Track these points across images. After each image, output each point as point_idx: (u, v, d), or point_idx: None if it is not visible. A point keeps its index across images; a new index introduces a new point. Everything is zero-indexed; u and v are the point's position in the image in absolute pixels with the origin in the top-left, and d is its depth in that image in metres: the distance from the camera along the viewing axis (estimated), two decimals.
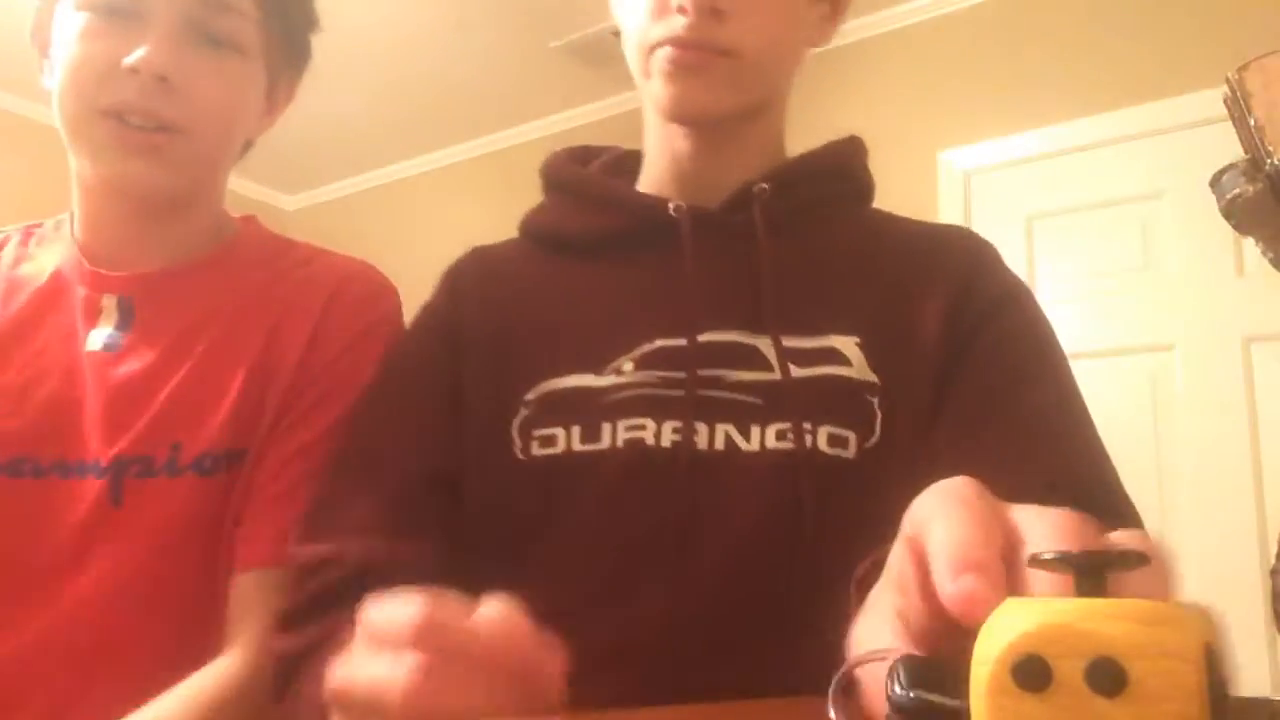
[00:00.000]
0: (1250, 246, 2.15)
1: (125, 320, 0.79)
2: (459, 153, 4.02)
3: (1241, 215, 0.71)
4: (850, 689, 0.35)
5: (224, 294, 0.82)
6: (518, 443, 0.70)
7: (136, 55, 0.72)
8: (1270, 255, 0.74)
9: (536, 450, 0.69)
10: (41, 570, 0.73)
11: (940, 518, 0.33)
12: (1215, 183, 0.72)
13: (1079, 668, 0.25)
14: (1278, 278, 0.83)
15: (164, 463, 0.75)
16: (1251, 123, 0.66)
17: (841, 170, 0.80)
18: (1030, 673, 0.25)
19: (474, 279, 0.81)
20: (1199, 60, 2.45)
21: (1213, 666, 0.25)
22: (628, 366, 0.70)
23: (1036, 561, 0.29)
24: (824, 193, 0.77)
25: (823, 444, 0.65)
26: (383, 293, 0.85)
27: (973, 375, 0.68)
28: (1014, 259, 2.93)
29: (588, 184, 0.80)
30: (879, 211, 0.81)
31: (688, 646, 0.63)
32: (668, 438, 0.66)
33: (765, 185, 0.74)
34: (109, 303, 0.80)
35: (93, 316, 0.79)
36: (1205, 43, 2.47)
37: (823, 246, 0.74)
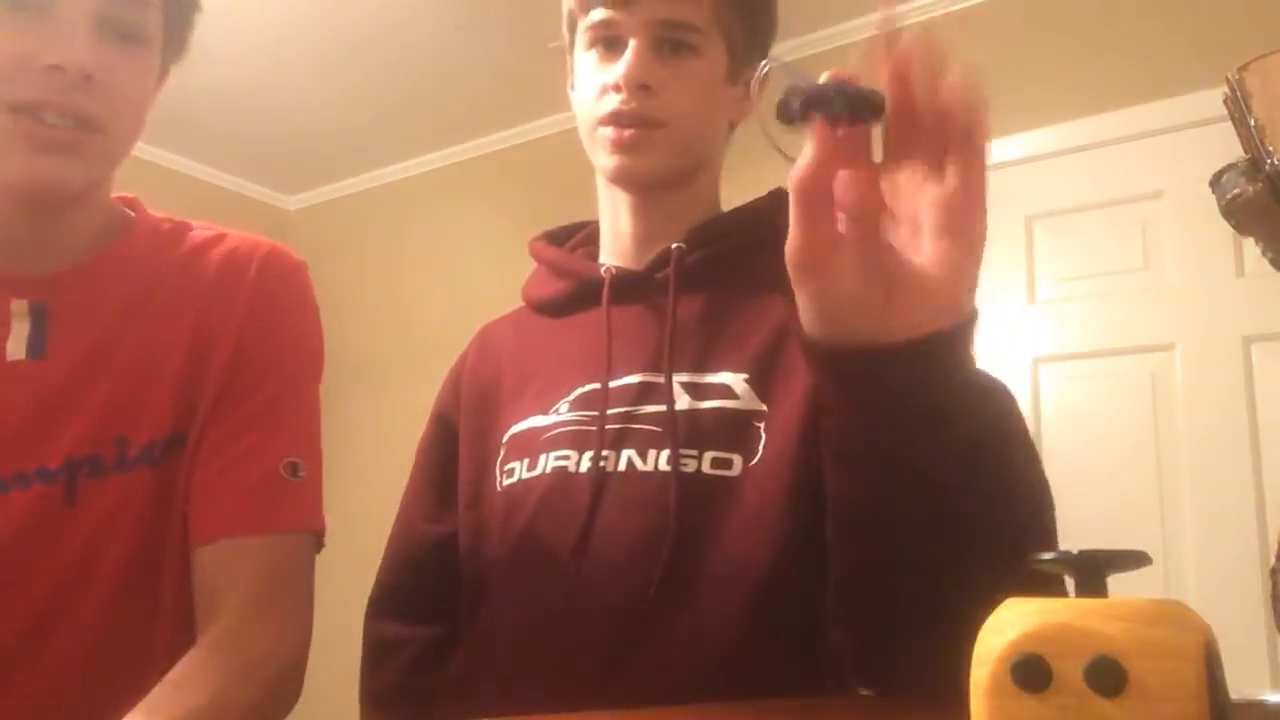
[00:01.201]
0: (1250, 246, 2.15)
1: (40, 324, 0.76)
2: (459, 153, 4.01)
3: (1241, 215, 0.71)
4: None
5: (137, 284, 0.80)
6: (498, 478, 0.87)
7: (57, 54, 0.69)
8: (1270, 255, 0.74)
9: (504, 482, 0.87)
10: None
11: None
12: (1215, 183, 0.72)
13: (1079, 668, 0.25)
14: (1278, 278, 0.83)
15: (113, 459, 0.74)
16: (1251, 123, 0.66)
17: (758, 224, 0.90)
18: (1030, 673, 0.25)
19: (473, 355, 0.99)
20: (1199, 60, 2.45)
21: (1212, 666, 0.25)
22: (564, 407, 0.86)
23: (1037, 562, 0.29)
24: (737, 245, 0.89)
25: (706, 466, 0.79)
26: (299, 268, 0.87)
27: None
28: (1014, 259, 2.92)
29: (553, 258, 0.97)
30: None
31: (582, 640, 0.78)
32: (585, 464, 0.82)
33: (682, 245, 0.87)
34: (19, 308, 0.76)
35: (1, 324, 0.76)
36: (1205, 43, 2.47)
37: (728, 295, 0.86)
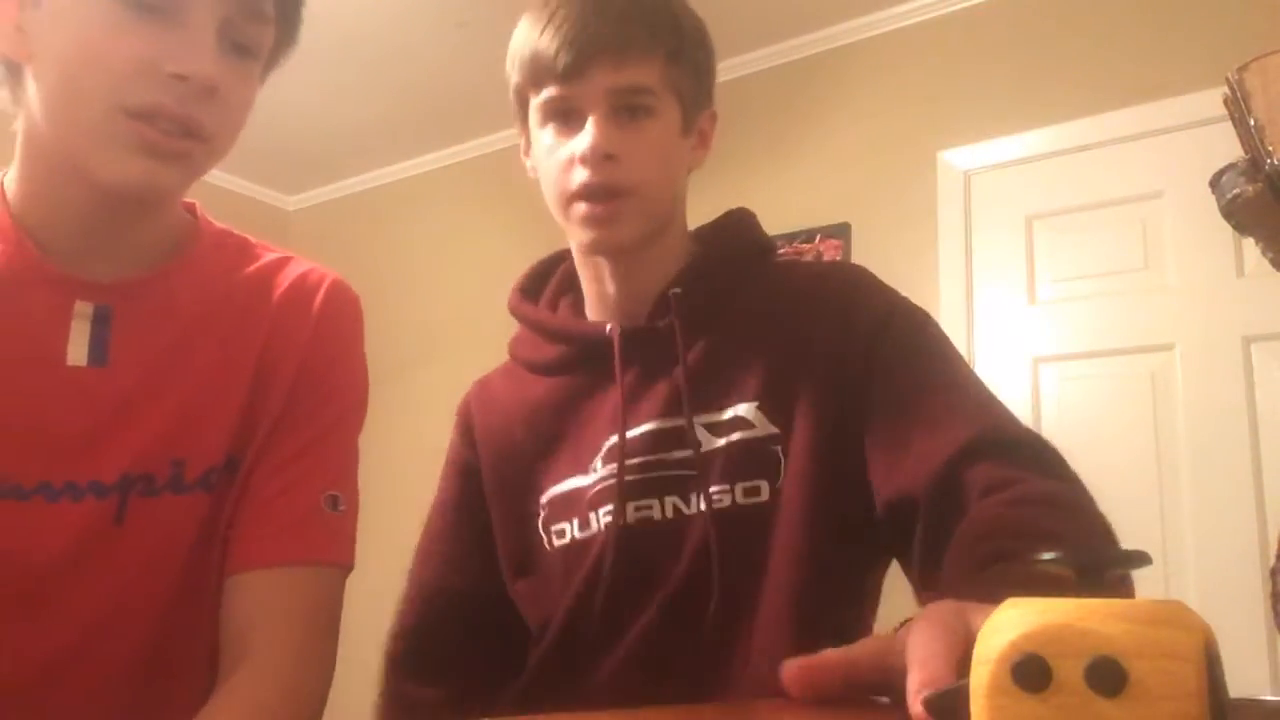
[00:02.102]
0: (1250, 246, 2.15)
1: (103, 329, 0.74)
2: (459, 153, 4.01)
3: (1241, 215, 0.71)
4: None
5: (204, 299, 0.79)
6: (544, 539, 0.92)
7: (185, 64, 0.68)
8: (1270, 255, 0.74)
9: (555, 543, 0.91)
10: (28, 593, 0.70)
11: (914, 636, 0.44)
12: (1215, 183, 0.72)
13: (1079, 668, 0.25)
14: (1278, 278, 0.83)
15: (167, 480, 0.74)
16: (1251, 123, 0.66)
17: (738, 257, 0.95)
18: (1030, 673, 0.25)
19: (478, 412, 1.01)
20: (1199, 60, 2.45)
21: (1212, 666, 0.25)
22: (599, 464, 0.89)
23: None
24: (727, 280, 0.92)
25: (740, 497, 0.84)
26: (358, 303, 0.89)
27: (883, 385, 0.83)
28: (1014, 259, 2.92)
29: (544, 321, 0.98)
30: (779, 264, 0.97)
31: (668, 676, 0.83)
32: (632, 515, 0.87)
33: (678, 290, 0.90)
34: (82, 309, 0.74)
35: (62, 325, 0.74)
36: (1205, 43, 2.47)
37: (727, 330, 0.89)
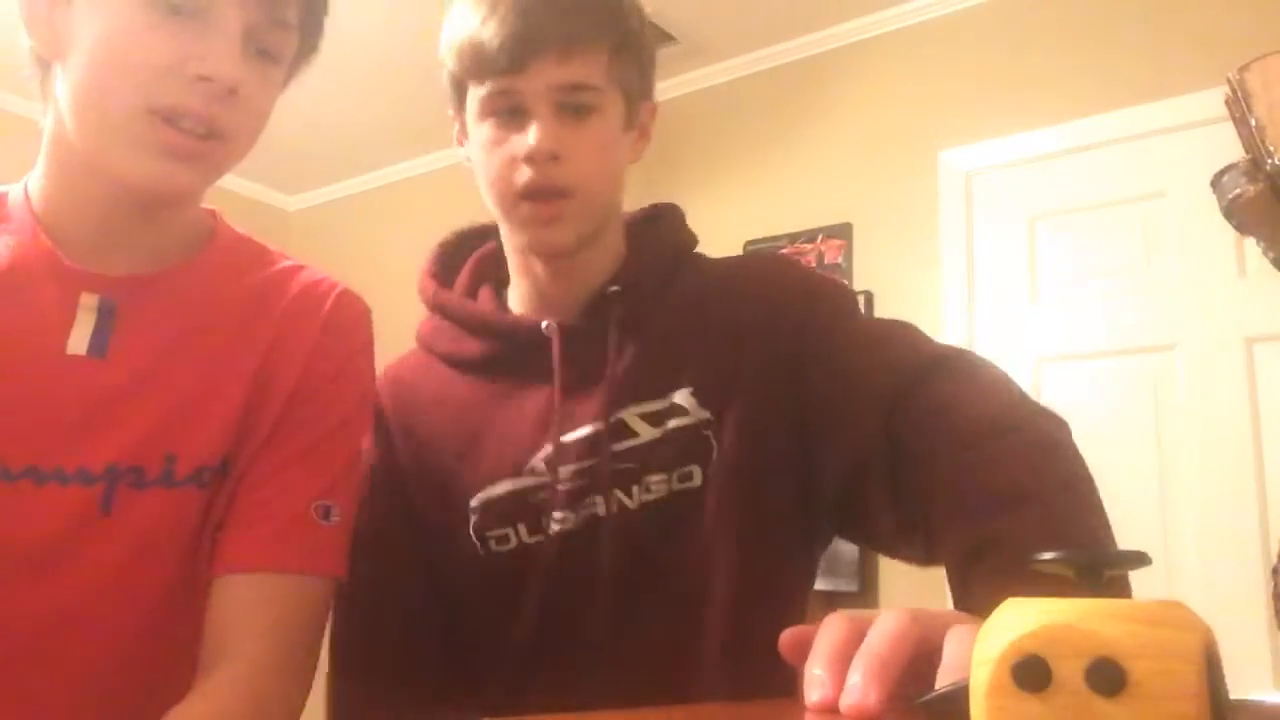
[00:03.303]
0: (1251, 246, 2.15)
1: (107, 322, 0.75)
2: (459, 153, 4.01)
3: (1242, 215, 0.71)
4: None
5: (211, 301, 0.80)
6: (478, 544, 0.88)
7: (210, 65, 0.70)
8: (1271, 255, 0.74)
9: (496, 548, 0.88)
10: (11, 574, 0.71)
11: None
12: (1216, 183, 0.72)
13: (1079, 668, 0.24)
14: (1279, 278, 0.83)
15: (158, 474, 0.74)
16: (1252, 123, 0.66)
17: (671, 255, 0.94)
18: (1030, 673, 0.25)
19: (392, 410, 0.95)
20: (1199, 60, 2.45)
21: (1212, 666, 0.25)
22: (540, 464, 0.87)
23: (1037, 563, 0.29)
24: (661, 276, 0.92)
25: (675, 484, 0.85)
26: (367, 315, 0.88)
27: (815, 360, 0.84)
28: (1014, 259, 2.92)
29: (469, 315, 0.93)
30: (703, 260, 0.97)
31: (590, 669, 0.84)
32: (580, 514, 0.86)
33: (616, 287, 0.89)
34: (88, 301, 0.75)
35: (67, 315, 0.75)
36: (1205, 43, 2.47)
37: (663, 323, 0.89)
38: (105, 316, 0.75)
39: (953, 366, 0.80)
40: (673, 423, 0.85)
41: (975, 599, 0.63)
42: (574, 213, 0.85)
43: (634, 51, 0.88)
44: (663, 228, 0.96)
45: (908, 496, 0.75)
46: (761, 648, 0.75)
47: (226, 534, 0.75)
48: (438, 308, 0.96)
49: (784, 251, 3.03)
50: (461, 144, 0.93)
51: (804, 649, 0.50)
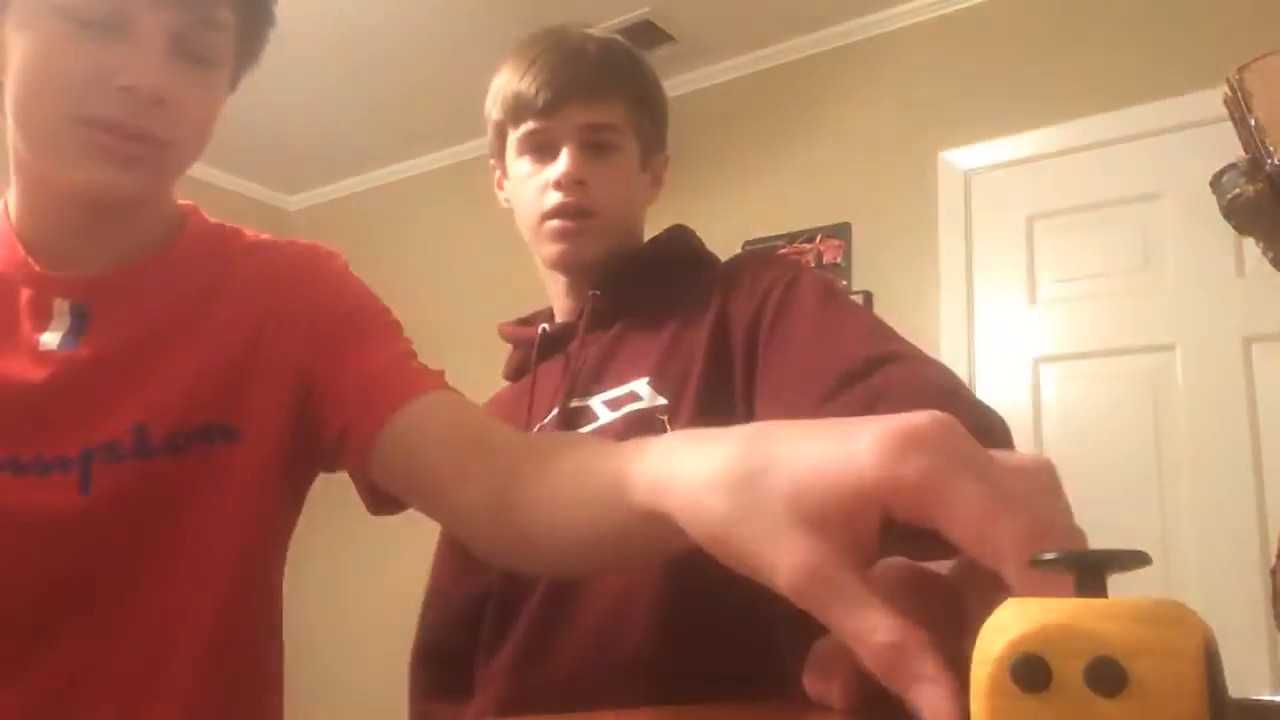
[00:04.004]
0: (1251, 246, 2.15)
1: (79, 324, 0.77)
2: (459, 153, 4.01)
3: (1242, 215, 0.71)
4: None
5: (183, 286, 0.81)
6: None
7: (131, 76, 0.71)
8: (1270, 255, 0.74)
9: None
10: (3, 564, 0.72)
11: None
12: (1215, 183, 0.72)
13: (1079, 668, 0.24)
14: (1278, 278, 0.83)
15: (131, 446, 0.74)
16: (1252, 123, 0.66)
17: (654, 261, 1.03)
18: (1030, 673, 0.25)
19: None
20: (1199, 60, 2.45)
21: (1212, 666, 0.25)
22: None
23: (1037, 562, 0.29)
24: (638, 281, 1.00)
25: None
26: (341, 263, 0.91)
27: (767, 346, 0.87)
28: (1014, 259, 2.91)
29: (508, 333, 1.11)
30: (704, 268, 1.04)
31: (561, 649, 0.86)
32: None
33: (596, 291, 1.00)
34: (60, 306, 0.77)
35: (42, 319, 0.77)
36: (1205, 43, 2.47)
37: (634, 322, 0.98)
38: (78, 319, 0.78)
39: (899, 363, 0.79)
40: (629, 407, 0.91)
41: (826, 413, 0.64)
42: (595, 231, 0.98)
43: (649, 106, 1.04)
44: (657, 240, 1.06)
45: None
46: (703, 622, 0.80)
47: (361, 396, 0.77)
48: (504, 337, 1.12)
49: (783, 252, 3.03)
50: (501, 187, 1.09)
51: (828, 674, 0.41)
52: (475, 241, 3.80)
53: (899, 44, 3.05)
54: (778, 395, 0.83)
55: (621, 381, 0.93)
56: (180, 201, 0.87)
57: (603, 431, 0.90)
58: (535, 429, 0.96)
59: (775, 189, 3.14)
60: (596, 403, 0.94)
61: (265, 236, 0.89)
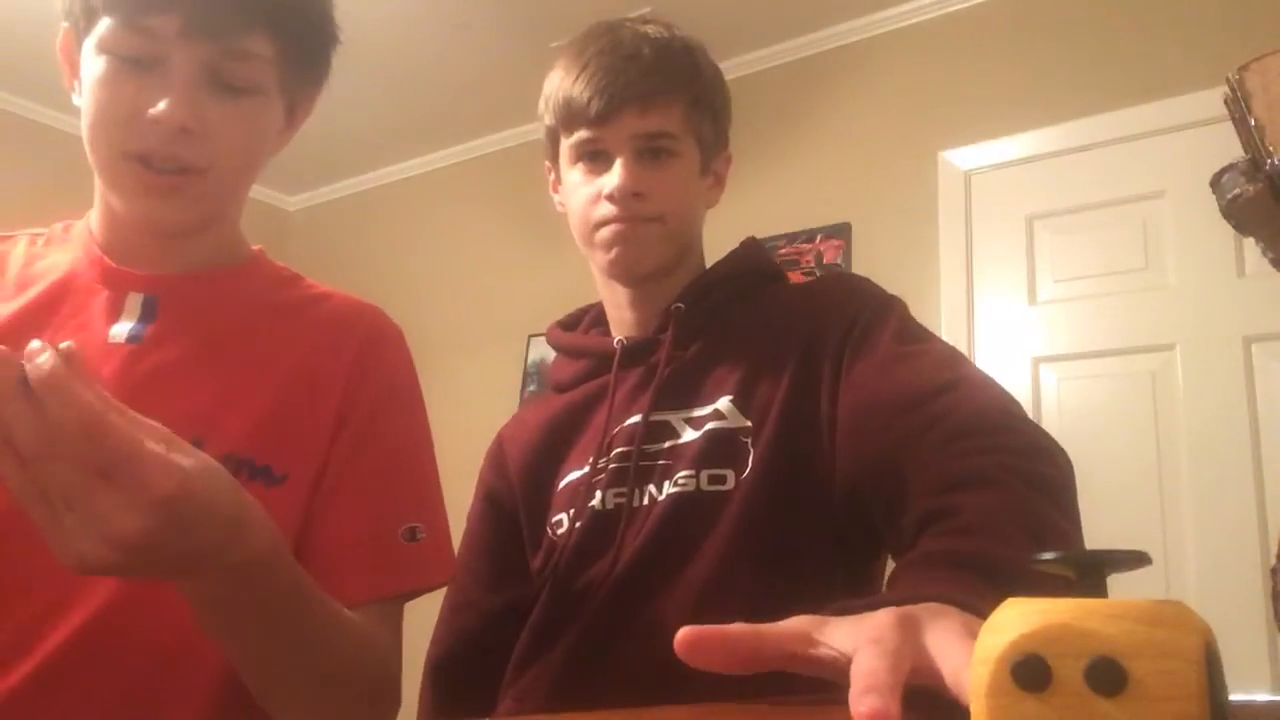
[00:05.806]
0: (1251, 247, 2.14)
1: (149, 316, 0.82)
2: (459, 153, 4.01)
3: (1242, 215, 0.71)
4: None
5: (248, 304, 0.86)
6: (548, 533, 0.97)
7: (159, 108, 0.74)
8: (1271, 255, 0.74)
9: (552, 534, 0.97)
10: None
11: (860, 648, 0.42)
12: (1215, 183, 0.72)
13: (1079, 668, 0.24)
14: (1278, 278, 0.83)
15: None
16: (1251, 123, 0.66)
17: (737, 276, 1.02)
18: (1030, 673, 0.25)
19: (510, 439, 1.08)
20: (1199, 60, 2.45)
21: (1212, 666, 0.25)
22: (599, 460, 0.95)
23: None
24: (723, 296, 0.99)
25: (704, 483, 0.88)
26: (402, 333, 0.94)
27: (849, 374, 0.87)
28: (1014, 259, 2.91)
29: (570, 342, 1.07)
30: (784, 286, 1.04)
31: (608, 637, 0.88)
32: (611, 502, 0.92)
33: (680, 305, 0.98)
34: (133, 300, 0.82)
35: (114, 313, 0.82)
36: (1205, 43, 2.47)
37: (718, 338, 0.96)
38: (148, 311, 0.82)
39: (962, 388, 0.81)
40: (711, 425, 0.89)
41: (902, 569, 0.63)
42: (655, 235, 0.95)
43: (708, 106, 1.00)
44: (736, 255, 1.04)
45: (893, 492, 0.77)
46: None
47: (320, 564, 0.78)
48: (553, 343, 1.09)
49: (782, 251, 3.03)
50: (556, 190, 1.05)
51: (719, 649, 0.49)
52: (475, 241, 3.80)
53: (899, 44, 3.04)
54: (855, 421, 0.84)
55: (703, 399, 0.92)
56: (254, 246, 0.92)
57: (684, 448, 0.90)
58: (611, 436, 0.95)
59: (775, 189, 3.14)
60: (678, 419, 0.92)
61: (327, 288, 0.93)
